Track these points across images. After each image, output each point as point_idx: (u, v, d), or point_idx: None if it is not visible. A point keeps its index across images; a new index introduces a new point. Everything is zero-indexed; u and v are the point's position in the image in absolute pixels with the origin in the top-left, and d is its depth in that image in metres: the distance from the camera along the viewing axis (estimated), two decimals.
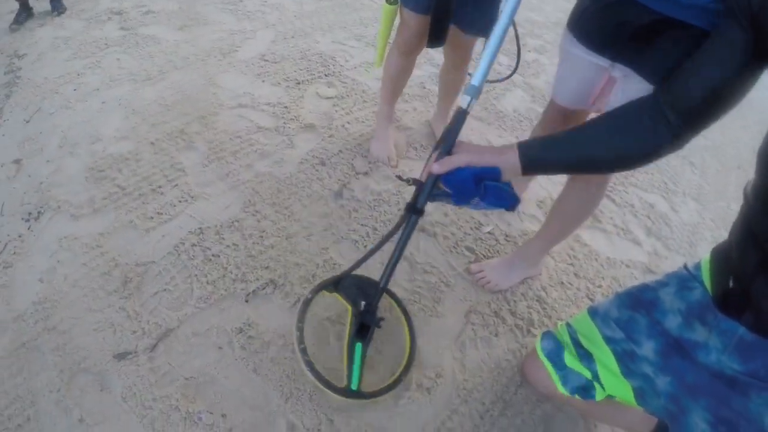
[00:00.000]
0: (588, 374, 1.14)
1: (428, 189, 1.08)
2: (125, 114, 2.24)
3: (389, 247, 1.26)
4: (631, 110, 0.96)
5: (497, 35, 1.04)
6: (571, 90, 1.35)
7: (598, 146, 0.97)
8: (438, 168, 1.01)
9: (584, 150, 0.98)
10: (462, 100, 1.06)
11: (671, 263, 2.00)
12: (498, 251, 1.83)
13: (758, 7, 0.76)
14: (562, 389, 1.18)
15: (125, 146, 2.06)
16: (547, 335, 1.27)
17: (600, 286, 1.81)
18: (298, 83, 2.53)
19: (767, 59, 0.80)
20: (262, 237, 1.73)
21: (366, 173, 2.04)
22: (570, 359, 1.18)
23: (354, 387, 1.27)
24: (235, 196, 1.88)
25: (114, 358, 1.38)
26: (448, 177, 1.02)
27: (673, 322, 1.02)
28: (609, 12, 1.11)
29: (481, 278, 1.68)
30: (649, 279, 1.14)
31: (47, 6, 3.19)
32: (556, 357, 1.21)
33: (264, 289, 1.58)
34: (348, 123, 2.30)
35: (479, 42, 1.75)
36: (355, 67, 2.72)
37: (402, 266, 1.71)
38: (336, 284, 1.41)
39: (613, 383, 1.11)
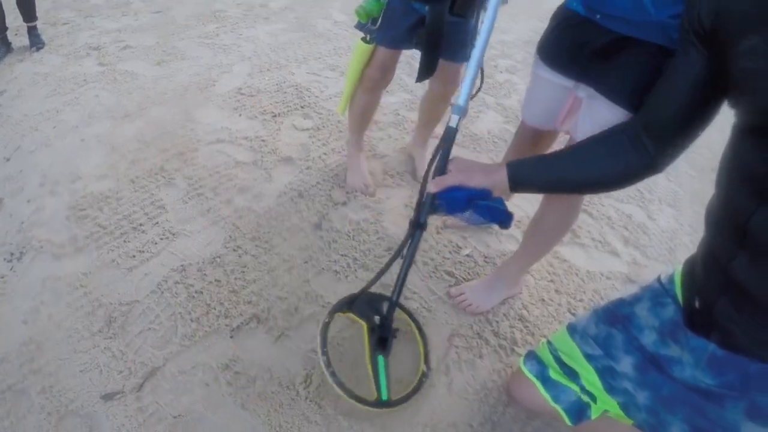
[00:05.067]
0: (576, 388, 1.15)
1: (427, 206, 1.18)
2: (105, 151, 2.25)
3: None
4: (611, 135, 1.01)
5: (476, 57, 1.13)
6: (538, 111, 1.39)
7: (581, 170, 1.03)
8: (433, 187, 1.11)
9: (568, 173, 1.04)
10: (451, 120, 1.14)
11: (651, 271, 2.01)
12: (477, 273, 1.85)
13: (710, 24, 0.79)
14: (554, 405, 1.18)
15: (106, 184, 2.06)
16: (530, 355, 1.28)
17: (581, 300, 1.82)
18: (275, 116, 2.56)
19: (725, 81, 0.82)
20: (243, 272, 1.74)
21: (344, 203, 2.06)
22: (555, 375, 1.19)
23: (385, 398, 1.34)
24: (215, 232, 1.89)
25: (101, 399, 1.38)
26: (443, 195, 1.11)
27: (648, 338, 1.04)
28: (570, 33, 1.17)
29: (462, 301, 1.68)
30: (630, 289, 1.18)
31: (26, 41, 3.19)
32: (542, 375, 1.22)
33: (248, 324, 1.58)
34: (324, 154, 2.32)
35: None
36: (330, 98, 2.75)
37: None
38: (350, 304, 1.51)
39: (602, 398, 1.12)
